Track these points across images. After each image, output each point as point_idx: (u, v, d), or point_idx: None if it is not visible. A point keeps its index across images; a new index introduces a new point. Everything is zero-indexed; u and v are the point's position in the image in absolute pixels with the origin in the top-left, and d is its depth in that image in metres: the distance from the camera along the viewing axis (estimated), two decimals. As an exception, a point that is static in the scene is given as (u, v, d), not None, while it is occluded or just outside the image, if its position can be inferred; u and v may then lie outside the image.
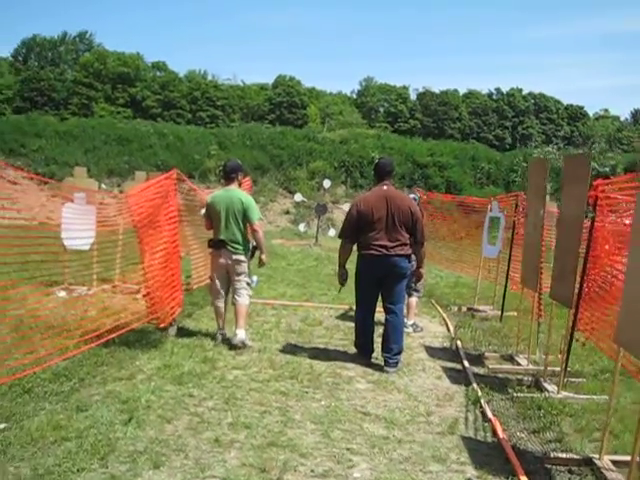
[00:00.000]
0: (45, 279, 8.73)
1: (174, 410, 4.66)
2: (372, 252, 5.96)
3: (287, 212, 23.65)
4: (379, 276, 6.04)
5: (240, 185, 6.78)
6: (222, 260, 6.58)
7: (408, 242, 6.02)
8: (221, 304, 6.74)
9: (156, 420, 4.44)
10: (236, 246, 6.55)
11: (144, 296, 6.50)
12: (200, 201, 8.64)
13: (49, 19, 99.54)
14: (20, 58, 60.39)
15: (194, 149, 26.33)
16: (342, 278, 6.31)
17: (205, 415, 4.61)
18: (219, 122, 50.97)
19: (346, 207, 22.89)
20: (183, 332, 6.91)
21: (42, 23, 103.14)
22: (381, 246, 5.94)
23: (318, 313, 8.68)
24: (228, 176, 6.67)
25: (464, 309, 9.51)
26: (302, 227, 21.22)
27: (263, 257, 6.65)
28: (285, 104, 57.46)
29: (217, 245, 6.57)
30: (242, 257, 6.59)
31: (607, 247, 5.29)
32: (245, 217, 6.52)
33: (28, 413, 4.36)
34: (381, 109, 66.58)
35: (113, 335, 5.75)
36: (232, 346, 6.42)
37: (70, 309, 7.26)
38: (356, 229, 6.04)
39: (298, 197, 21.69)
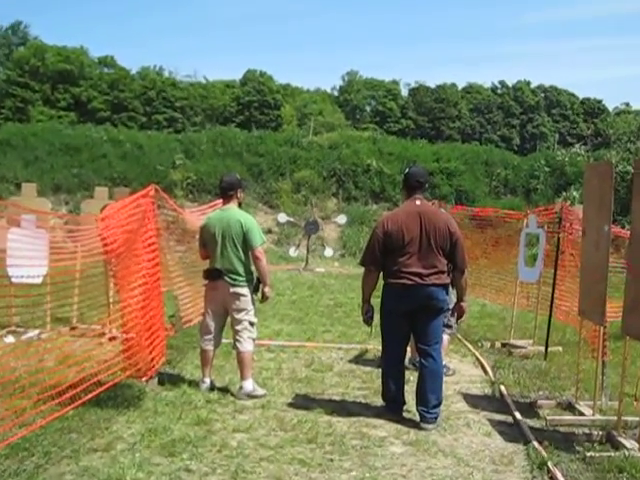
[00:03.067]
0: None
1: (170, 491, 4.28)
2: (403, 282, 5.73)
3: (269, 231, 22.98)
4: (411, 311, 5.81)
5: (240, 204, 6.66)
6: (218, 293, 6.43)
7: (446, 269, 5.80)
8: (210, 347, 6.57)
9: (149, 506, 4.06)
10: (235, 277, 6.38)
11: (123, 342, 6.28)
12: (183, 222, 8.38)
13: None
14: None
15: (156, 159, 25.74)
16: (367, 315, 6.05)
17: (210, 497, 4.24)
18: (178, 126, 50.53)
19: (340, 219, 22.52)
20: (165, 384, 6.56)
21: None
22: (414, 274, 5.71)
23: (325, 355, 8.43)
24: (225, 193, 6.55)
25: (498, 345, 9.30)
26: (292, 251, 20.58)
27: (266, 290, 6.52)
28: (256, 104, 57.29)
29: (213, 275, 6.43)
30: (243, 290, 6.41)
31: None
32: (245, 242, 6.36)
33: (-16, 503, 3.95)
34: (367, 108, 66.91)
35: (87, 397, 5.34)
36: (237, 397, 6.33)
37: (22, 359, 6.74)
38: (382, 254, 5.81)
39: (282, 218, 21.16)
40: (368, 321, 6.07)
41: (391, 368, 6.03)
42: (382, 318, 6.01)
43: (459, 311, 6.16)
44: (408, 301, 5.77)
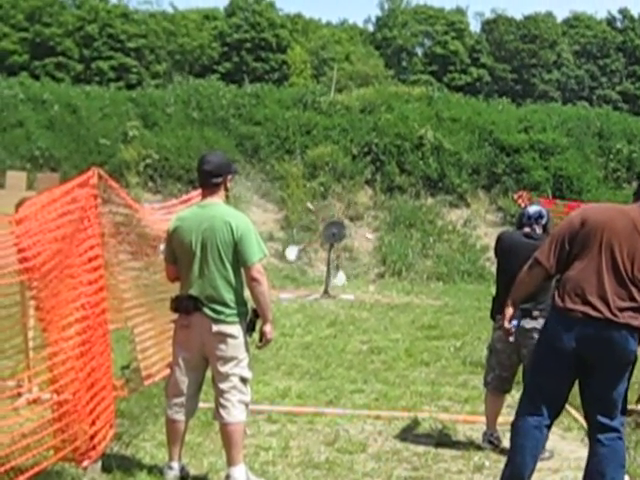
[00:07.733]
0: None
1: None
2: (583, 310, 4.75)
3: (270, 237, 19.12)
4: (585, 358, 4.84)
5: (228, 197, 5.80)
6: (194, 334, 5.47)
7: None
8: (180, 417, 5.64)
9: None
10: (220, 309, 5.40)
11: (53, 408, 5.30)
12: (140, 225, 7.37)
13: None
14: None
15: (98, 128, 21.35)
16: (511, 324, 5.18)
17: None
18: (131, 78, 43.51)
19: (369, 238, 18.13)
20: (113, 472, 5.53)
21: None
22: (601, 300, 4.74)
23: (355, 428, 7.02)
24: (207, 182, 5.52)
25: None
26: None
27: (267, 329, 5.56)
28: (249, 44, 48.60)
29: (186, 307, 5.47)
30: (232, 329, 5.42)
31: None
32: (236, 255, 5.40)
33: None
34: (419, 51, 59.13)
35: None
36: None
37: None
38: (561, 253, 4.85)
39: (292, 252, 17.50)
40: (509, 331, 5.28)
41: (528, 433, 4.96)
42: (535, 357, 5.17)
43: None
44: (584, 342, 4.80)
